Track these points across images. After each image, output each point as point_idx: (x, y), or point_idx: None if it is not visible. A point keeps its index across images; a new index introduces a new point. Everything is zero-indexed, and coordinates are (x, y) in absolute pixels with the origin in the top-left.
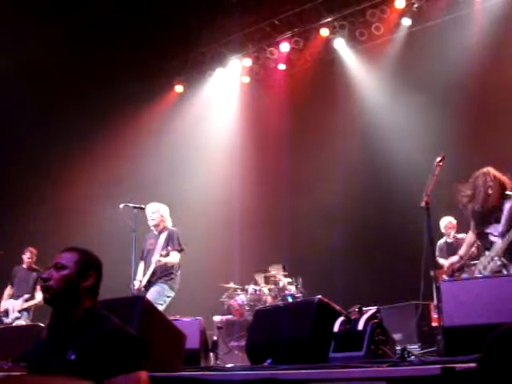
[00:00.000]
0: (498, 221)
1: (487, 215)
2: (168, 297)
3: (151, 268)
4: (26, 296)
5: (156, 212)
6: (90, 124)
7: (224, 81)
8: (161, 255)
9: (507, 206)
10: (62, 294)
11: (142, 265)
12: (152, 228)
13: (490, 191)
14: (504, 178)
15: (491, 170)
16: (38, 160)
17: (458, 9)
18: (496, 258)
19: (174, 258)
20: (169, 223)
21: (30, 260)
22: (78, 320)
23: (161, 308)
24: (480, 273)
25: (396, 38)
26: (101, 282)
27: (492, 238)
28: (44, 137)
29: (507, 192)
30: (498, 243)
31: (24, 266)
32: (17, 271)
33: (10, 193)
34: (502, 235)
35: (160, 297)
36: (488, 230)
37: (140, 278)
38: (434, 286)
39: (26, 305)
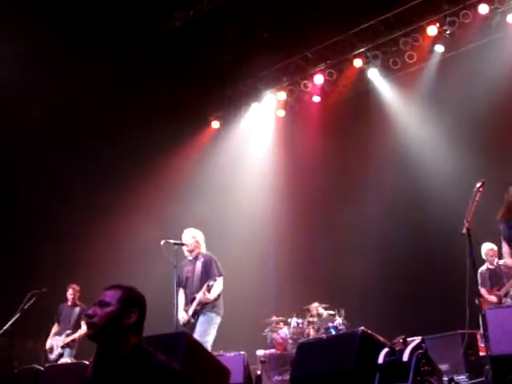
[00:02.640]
0: None
1: None
2: (216, 323)
3: (196, 300)
4: (68, 331)
5: (192, 237)
6: (133, 161)
7: (260, 115)
8: (207, 289)
9: None
10: (105, 331)
11: (181, 293)
12: (186, 254)
13: None
14: None
15: None
16: (83, 199)
17: (490, 33)
18: None
19: (219, 286)
20: (203, 249)
21: (73, 296)
22: (124, 357)
23: (213, 335)
24: None
25: (430, 65)
26: (145, 318)
27: None
28: (85, 176)
29: None
30: None
31: (68, 303)
32: (62, 309)
33: (55, 231)
34: None
35: (210, 326)
36: None
37: (183, 308)
38: (479, 315)
39: (67, 339)
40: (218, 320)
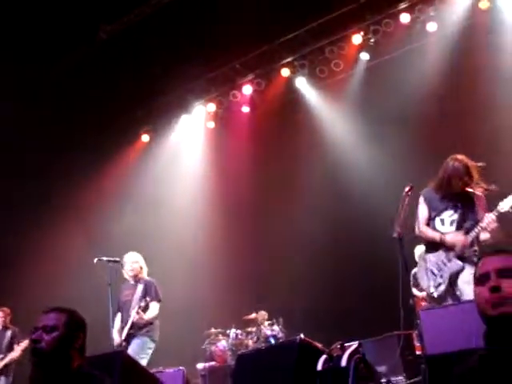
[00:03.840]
0: (454, 209)
1: (446, 200)
2: (150, 348)
3: (130, 321)
4: (0, 356)
5: (136, 262)
6: (62, 177)
7: (189, 127)
8: (139, 307)
9: (478, 202)
10: (53, 357)
11: (118, 316)
12: (129, 278)
13: (456, 174)
14: (474, 167)
15: (463, 157)
16: (11, 217)
17: (412, 41)
18: (455, 259)
19: (154, 310)
20: (145, 273)
21: (4, 319)
22: (69, 381)
23: (144, 361)
24: (433, 273)
25: (356, 73)
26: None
27: (440, 227)
28: (9, 194)
29: (469, 188)
30: (459, 239)
31: None
32: None
33: None
34: (461, 227)
35: (142, 350)
36: (441, 217)
37: (118, 330)
38: (414, 315)
39: (1, 364)
40: (151, 345)
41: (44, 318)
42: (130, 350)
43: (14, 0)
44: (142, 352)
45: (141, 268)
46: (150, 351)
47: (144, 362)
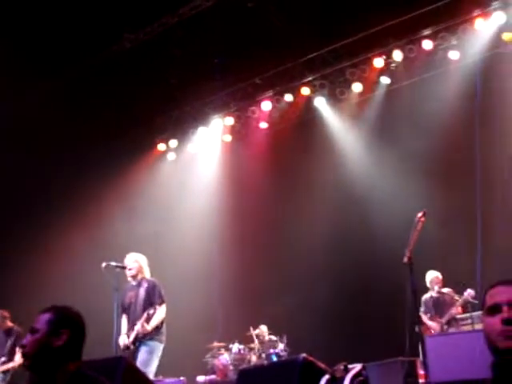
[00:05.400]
0: None
1: None
2: (160, 351)
3: (135, 330)
4: (3, 359)
5: (135, 262)
6: (72, 184)
7: (206, 139)
8: (148, 315)
9: None
10: (37, 358)
11: (124, 319)
12: (130, 279)
13: None
14: None
15: None
16: (17, 221)
17: (434, 67)
18: None
19: (160, 314)
20: (147, 274)
21: (1, 323)
22: (63, 383)
23: (155, 365)
24: None
25: (375, 96)
26: (83, 340)
27: None
28: (25, 194)
29: None
30: None
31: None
32: None
33: None
34: None
35: (153, 355)
36: None
37: (125, 333)
38: (419, 342)
39: (1, 368)
40: (160, 347)
41: (35, 320)
42: (141, 357)
43: (37, 4)
44: (152, 356)
45: (141, 267)
46: (160, 353)
47: (155, 366)
